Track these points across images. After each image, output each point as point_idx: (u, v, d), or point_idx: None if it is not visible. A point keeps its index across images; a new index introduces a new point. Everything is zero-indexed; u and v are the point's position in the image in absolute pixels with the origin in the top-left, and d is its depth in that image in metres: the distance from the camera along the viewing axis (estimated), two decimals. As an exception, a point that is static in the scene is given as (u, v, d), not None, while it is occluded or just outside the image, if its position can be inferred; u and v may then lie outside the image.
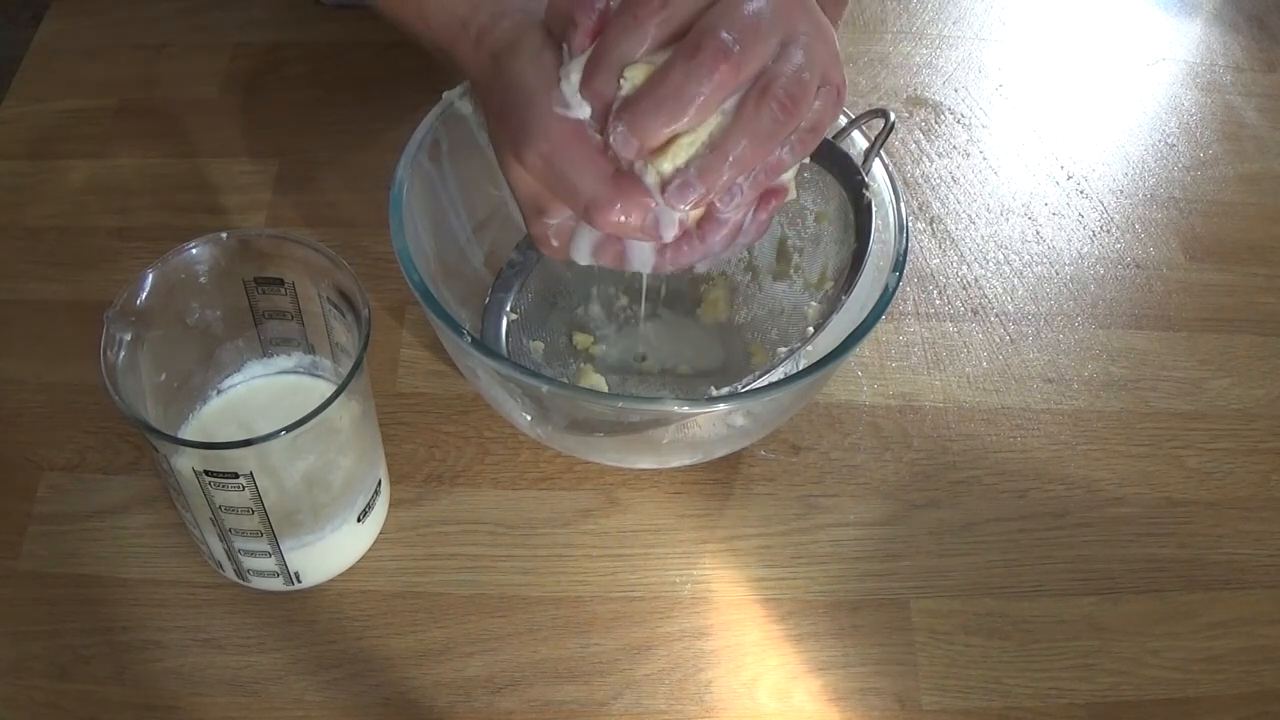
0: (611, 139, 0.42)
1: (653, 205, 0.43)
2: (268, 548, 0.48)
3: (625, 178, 0.43)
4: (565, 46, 0.43)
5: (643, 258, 0.46)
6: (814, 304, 0.55)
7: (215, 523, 0.46)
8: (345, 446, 0.48)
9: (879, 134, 0.51)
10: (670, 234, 0.44)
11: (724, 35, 0.40)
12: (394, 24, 0.52)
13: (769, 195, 0.45)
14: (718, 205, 0.43)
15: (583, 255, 0.47)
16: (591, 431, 0.51)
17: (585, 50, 0.43)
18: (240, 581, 0.51)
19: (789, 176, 0.46)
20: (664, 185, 0.42)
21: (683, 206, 0.42)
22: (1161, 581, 0.55)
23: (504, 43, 0.46)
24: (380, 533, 0.54)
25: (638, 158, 0.42)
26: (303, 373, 0.53)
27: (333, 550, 0.51)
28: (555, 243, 0.47)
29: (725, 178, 0.42)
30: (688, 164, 0.42)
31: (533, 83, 0.43)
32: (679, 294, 0.61)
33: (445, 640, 0.51)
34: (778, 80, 0.41)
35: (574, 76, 0.42)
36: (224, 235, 0.47)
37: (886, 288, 0.49)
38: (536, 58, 0.44)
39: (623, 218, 0.43)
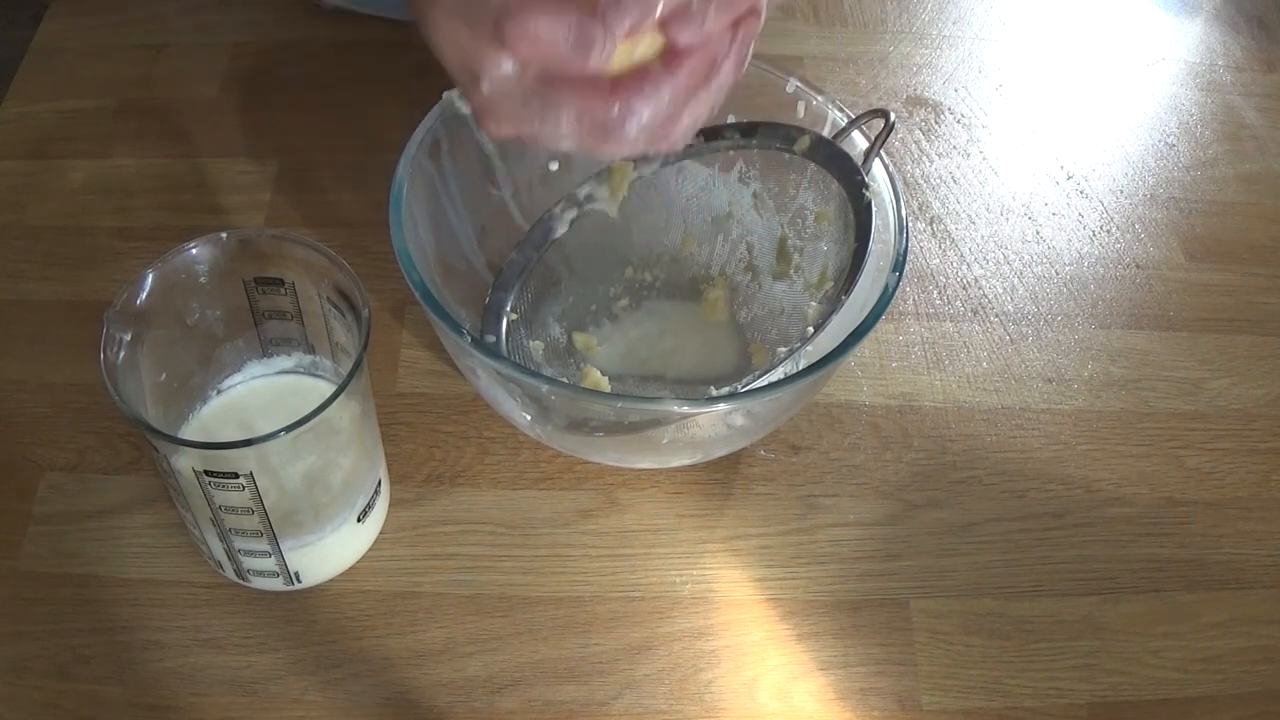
0: None
1: (575, 14, 0.38)
2: (268, 548, 0.48)
3: None
4: None
5: (607, 122, 0.40)
6: (814, 304, 0.55)
7: (215, 523, 0.46)
8: (345, 446, 0.48)
9: (879, 134, 0.51)
10: (599, 57, 0.39)
11: None
12: None
13: (738, 23, 0.41)
14: (675, 31, 0.39)
15: (538, 128, 0.41)
16: (591, 431, 0.51)
17: None
18: (240, 581, 0.51)
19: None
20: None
21: (621, 29, 0.38)
22: (1161, 581, 0.55)
23: None
24: (380, 533, 0.54)
25: None
26: (303, 373, 0.53)
27: (333, 550, 0.51)
28: (501, 112, 0.41)
29: None
30: None
31: None
32: (679, 293, 0.61)
33: (445, 640, 0.51)
34: None
35: None
36: (224, 235, 0.47)
37: (886, 288, 0.49)
38: None
39: (539, 26, 0.38)
